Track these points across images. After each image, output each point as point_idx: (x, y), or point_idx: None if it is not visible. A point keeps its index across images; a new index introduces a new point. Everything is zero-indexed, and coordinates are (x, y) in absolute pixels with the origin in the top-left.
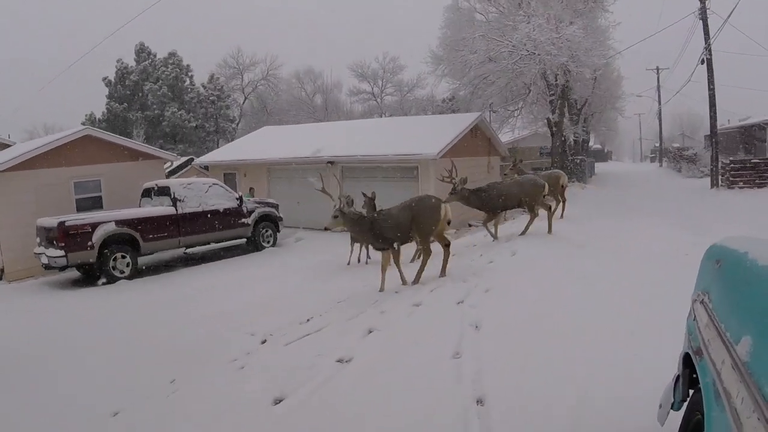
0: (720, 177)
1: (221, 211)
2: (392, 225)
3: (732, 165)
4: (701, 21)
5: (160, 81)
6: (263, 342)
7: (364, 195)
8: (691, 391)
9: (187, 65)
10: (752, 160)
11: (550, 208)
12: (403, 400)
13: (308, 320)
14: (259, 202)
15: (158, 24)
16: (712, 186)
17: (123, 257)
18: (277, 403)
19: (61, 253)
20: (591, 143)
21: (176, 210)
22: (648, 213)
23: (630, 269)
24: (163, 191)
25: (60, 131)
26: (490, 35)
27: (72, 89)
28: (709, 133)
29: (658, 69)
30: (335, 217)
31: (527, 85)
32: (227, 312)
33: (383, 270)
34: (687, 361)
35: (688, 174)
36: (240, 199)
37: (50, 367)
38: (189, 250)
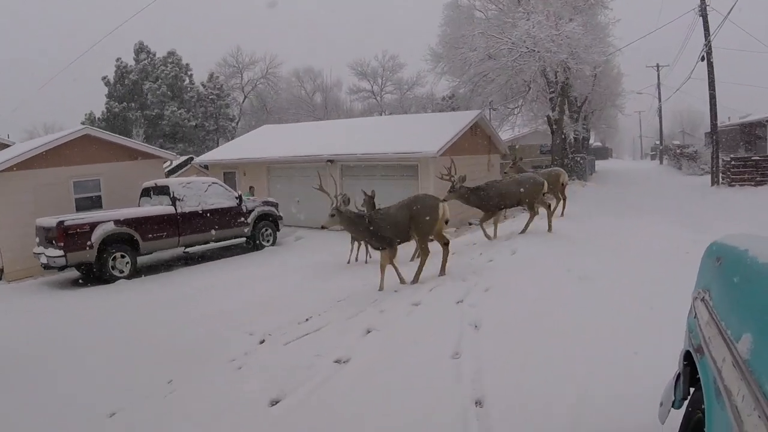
0: (720, 174)
1: (220, 210)
2: (390, 224)
3: (733, 162)
4: (701, 18)
5: (160, 80)
6: (262, 342)
7: (364, 193)
8: (691, 389)
9: (187, 64)
10: (753, 158)
11: (549, 206)
12: (402, 400)
13: (307, 320)
14: (258, 201)
15: (157, 23)
16: (712, 183)
17: (122, 257)
18: (274, 404)
19: (60, 252)
20: (591, 141)
21: (175, 209)
22: (648, 211)
23: (630, 267)
24: (163, 191)
25: (60, 131)
26: (490, 32)
27: (72, 89)
28: (709, 130)
29: (658, 66)
30: (332, 215)
31: (527, 82)
32: (226, 311)
33: (382, 269)
34: (688, 359)
35: (689, 171)
36: (239, 198)
37: (49, 367)
38: (188, 250)
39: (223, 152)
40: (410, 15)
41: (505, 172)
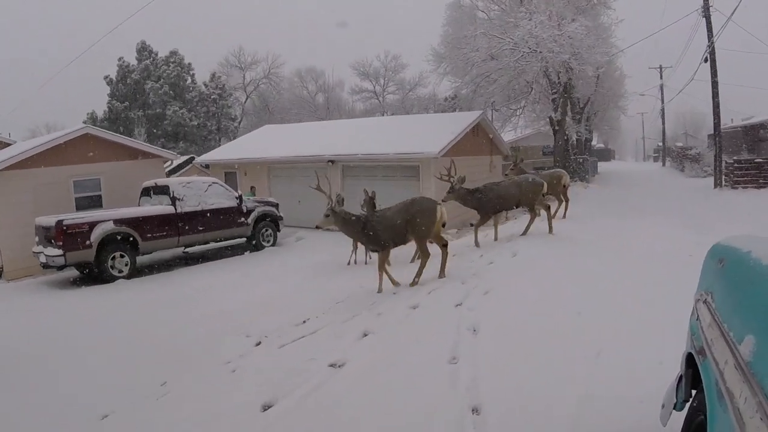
0: (723, 177)
1: (220, 210)
2: (385, 227)
3: (735, 164)
4: (704, 19)
5: (162, 80)
6: (258, 344)
7: (365, 193)
8: (693, 392)
9: (189, 64)
10: (756, 160)
11: (549, 207)
12: (396, 406)
13: (304, 322)
14: (259, 201)
15: (159, 24)
16: (715, 186)
17: (121, 256)
18: (266, 409)
19: (59, 252)
20: (594, 142)
21: (175, 209)
22: (651, 212)
23: (633, 269)
24: (162, 190)
25: (62, 130)
26: (492, 33)
27: (73, 88)
28: (712, 132)
29: (661, 67)
30: (327, 215)
31: (529, 83)
32: (225, 311)
33: (380, 271)
34: (690, 361)
35: (691, 173)
36: (239, 198)
37: (47, 367)
38: (188, 250)
39: (224, 152)
40: (410, 15)
41: (506, 174)
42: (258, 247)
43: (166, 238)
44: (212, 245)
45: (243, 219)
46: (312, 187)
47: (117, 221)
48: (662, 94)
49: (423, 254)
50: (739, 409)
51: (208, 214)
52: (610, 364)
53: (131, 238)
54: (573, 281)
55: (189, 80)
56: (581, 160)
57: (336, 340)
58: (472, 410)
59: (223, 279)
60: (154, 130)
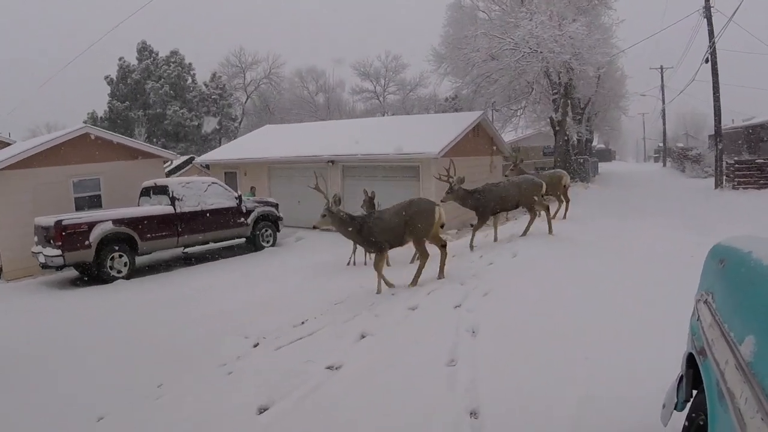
0: (724, 177)
1: (220, 210)
2: (382, 229)
3: (736, 165)
4: (705, 19)
5: (162, 79)
6: (255, 345)
7: (365, 193)
8: (694, 392)
9: (189, 64)
10: (757, 161)
11: (548, 208)
12: (392, 410)
13: (303, 323)
14: (258, 202)
15: (160, 23)
16: (716, 186)
17: (120, 257)
18: (262, 412)
19: (58, 252)
20: (594, 143)
21: (175, 209)
22: (651, 213)
23: (633, 269)
24: (162, 190)
25: (62, 130)
26: (492, 33)
27: (74, 88)
28: (713, 132)
29: (662, 68)
30: (323, 215)
31: (530, 83)
32: (224, 312)
33: (378, 272)
34: (690, 361)
35: (692, 174)
36: (239, 198)
37: (47, 368)
38: (187, 250)
39: (224, 152)
40: (412, 15)
41: (506, 175)
42: (257, 248)
43: (166, 239)
44: (212, 245)
45: (242, 219)
46: (310, 187)
47: (116, 221)
48: (663, 94)
49: (422, 255)
50: (739, 409)
51: (208, 215)
52: (610, 364)
53: (130, 239)
54: (573, 282)
55: (189, 80)
56: (582, 161)
57: (333, 342)
58: (470, 413)
59: (222, 279)
60: (155, 130)
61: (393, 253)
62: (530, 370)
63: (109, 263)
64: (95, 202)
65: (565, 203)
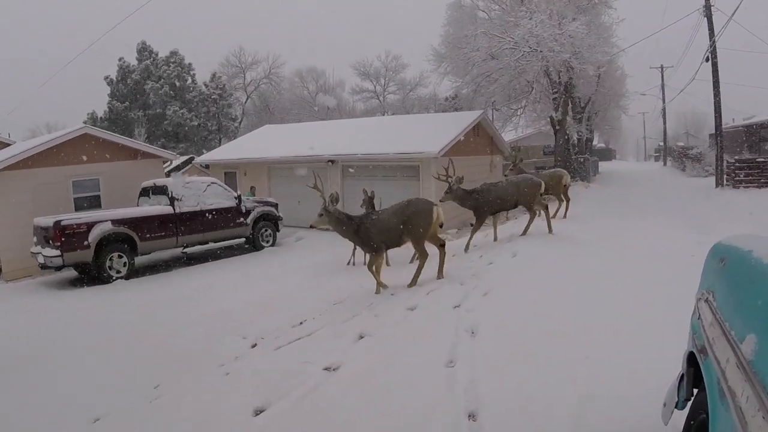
0: (725, 176)
1: (219, 210)
2: (380, 229)
3: (737, 164)
4: (705, 18)
5: (162, 80)
6: (254, 346)
7: (365, 193)
8: (695, 390)
9: (189, 64)
10: (757, 159)
11: (547, 207)
12: (393, 408)
13: (301, 323)
14: (258, 201)
15: (159, 24)
16: (716, 185)
17: (120, 257)
18: (258, 413)
19: (57, 252)
20: (595, 142)
21: (174, 209)
22: (652, 212)
23: (634, 268)
24: (161, 190)
25: (61, 130)
26: (492, 32)
27: (74, 88)
28: (713, 131)
29: (662, 67)
30: (320, 215)
31: (530, 82)
32: (224, 312)
33: (377, 272)
34: (691, 360)
35: (693, 173)
36: (238, 198)
37: (47, 368)
38: (187, 250)
39: (224, 152)
40: (410, 15)
41: (505, 174)
42: (257, 248)
43: (165, 239)
44: (211, 245)
45: (242, 219)
46: (309, 186)
47: (115, 221)
48: (663, 93)
49: (421, 255)
50: (740, 407)
51: (207, 214)
52: (611, 363)
53: (130, 239)
54: (574, 281)
55: (189, 80)
56: (582, 160)
57: (332, 343)
58: (469, 415)
59: (222, 279)
60: (155, 131)
61: (392, 253)
62: (530, 369)
63: (108, 263)
64: (95, 203)
65: (565, 202)
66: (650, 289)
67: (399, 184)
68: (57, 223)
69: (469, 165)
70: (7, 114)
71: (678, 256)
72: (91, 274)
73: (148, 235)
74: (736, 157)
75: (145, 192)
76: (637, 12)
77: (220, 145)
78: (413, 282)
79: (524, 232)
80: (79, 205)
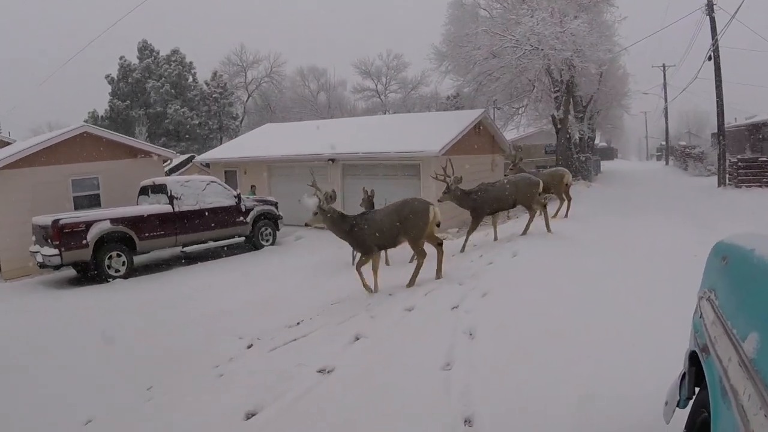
0: (727, 175)
1: (219, 209)
2: (373, 230)
3: (739, 163)
4: (708, 17)
5: (163, 78)
6: (249, 346)
7: (364, 191)
8: (697, 389)
9: (190, 63)
10: (760, 159)
11: (545, 206)
12: (390, 410)
13: (298, 323)
14: (258, 200)
15: (160, 22)
16: (719, 185)
17: (118, 256)
18: (249, 417)
19: (56, 251)
20: (596, 141)
21: (173, 208)
22: (654, 211)
23: (635, 267)
24: (160, 189)
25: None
26: (494, 30)
27: (75, 87)
28: (715, 131)
29: (664, 66)
30: (315, 213)
31: (532, 81)
32: (224, 312)
33: (374, 272)
34: (693, 358)
35: (695, 172)
36: (238, 197)
37: (46, 368)
38: (186, 249)
39: (225, 151)
40: (410, 15)
41: (505, 174)
42: (257, 247)
43: (164, 238)
44: (210, 244)
45: (242, 218)
46: (308, 185)
47: (114, 220)
48: (665, 92)
49: (419, 255)
50: (742, 406)
51: (207, 213)
52: (612, 363)
53: (128, 238)
54: (574, 281)
55: (190, 79)
56: (584, 159)
57: (327, 344)
58: (465, 421)
59: (221, 278)
60: (156, 129)
61: (392, 253)
62: (530, 370)
63: (107, 262)
64: (94, 201)
65: (567, 202)
66: (652, 288)
67: (400, 182)
68: (55, 222)
69: (470, 164)
70: (8, 113)
71: (680, 255)
72: (90, 273)
73: (146, 234)
74: (739, 157)
75: (144, 191)
76: (639, 10)
77: (221, 144)
78: (411, 282)
79: (524, 232)
80: (79, 204)
